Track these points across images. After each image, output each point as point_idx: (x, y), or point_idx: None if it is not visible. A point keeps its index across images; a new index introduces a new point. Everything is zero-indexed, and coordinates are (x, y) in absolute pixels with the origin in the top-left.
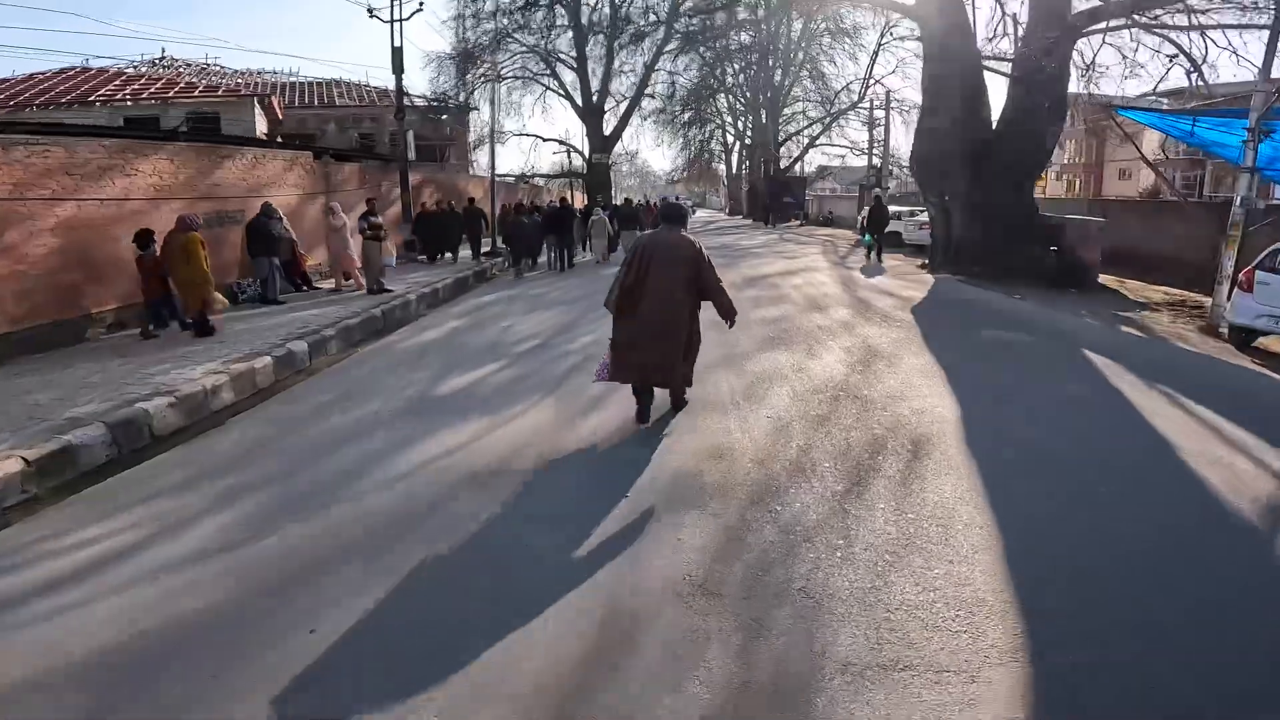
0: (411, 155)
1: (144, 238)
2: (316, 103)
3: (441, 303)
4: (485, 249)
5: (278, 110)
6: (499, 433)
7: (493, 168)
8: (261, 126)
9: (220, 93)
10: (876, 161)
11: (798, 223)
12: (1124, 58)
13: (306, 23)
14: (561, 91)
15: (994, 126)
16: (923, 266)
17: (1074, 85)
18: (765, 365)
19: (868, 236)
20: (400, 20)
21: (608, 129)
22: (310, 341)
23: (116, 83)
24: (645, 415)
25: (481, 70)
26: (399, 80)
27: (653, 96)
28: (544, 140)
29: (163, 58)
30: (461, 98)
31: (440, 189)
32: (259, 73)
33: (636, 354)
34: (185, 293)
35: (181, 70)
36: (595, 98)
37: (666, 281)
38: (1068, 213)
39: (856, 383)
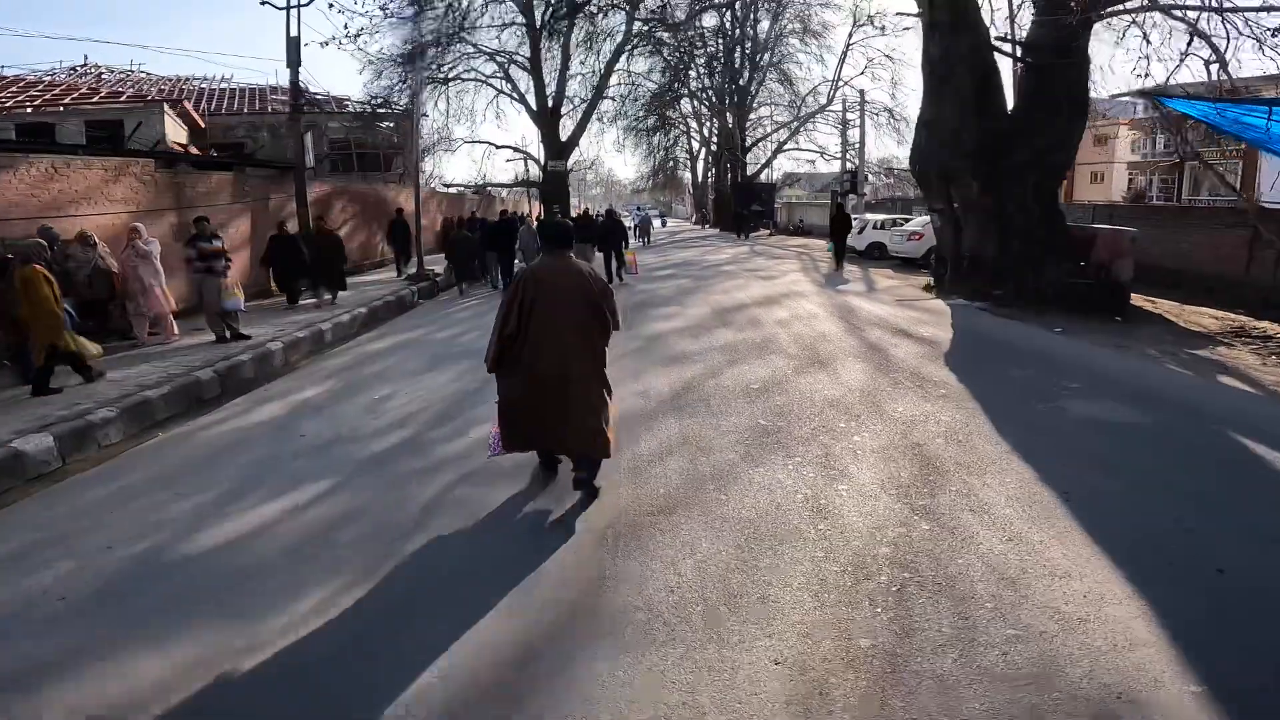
0: (310, 162)
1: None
2: (247, 110)
3: (327, 346)
4: (412, 269)
5: (196, 117)
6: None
7: (416, 175)
8: (177, 134)
9: (124, 99)
10: (851, 165)
11: (768, 232)
12: (1147, 42)
13: (238, 29)
14: (515, 95)
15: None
16: (927, 289)
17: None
18: (756, 503)
19: (830, 245)
20: (298, 6)
21: (565, 134)
22: (66, 431)
23: (12, 89)
24: (552, 465)
25: (426, 72)
26: (295, 74)
27: (613, 99)
28: (498, 147)
29: (85, 65)
30: (404, 100)
31: (358, 201)
32: (187, 79)
33: (531, 416)
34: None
35: (102, 77)
36: (551, 100)
37: (557, 324)
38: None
39: (927, 544)
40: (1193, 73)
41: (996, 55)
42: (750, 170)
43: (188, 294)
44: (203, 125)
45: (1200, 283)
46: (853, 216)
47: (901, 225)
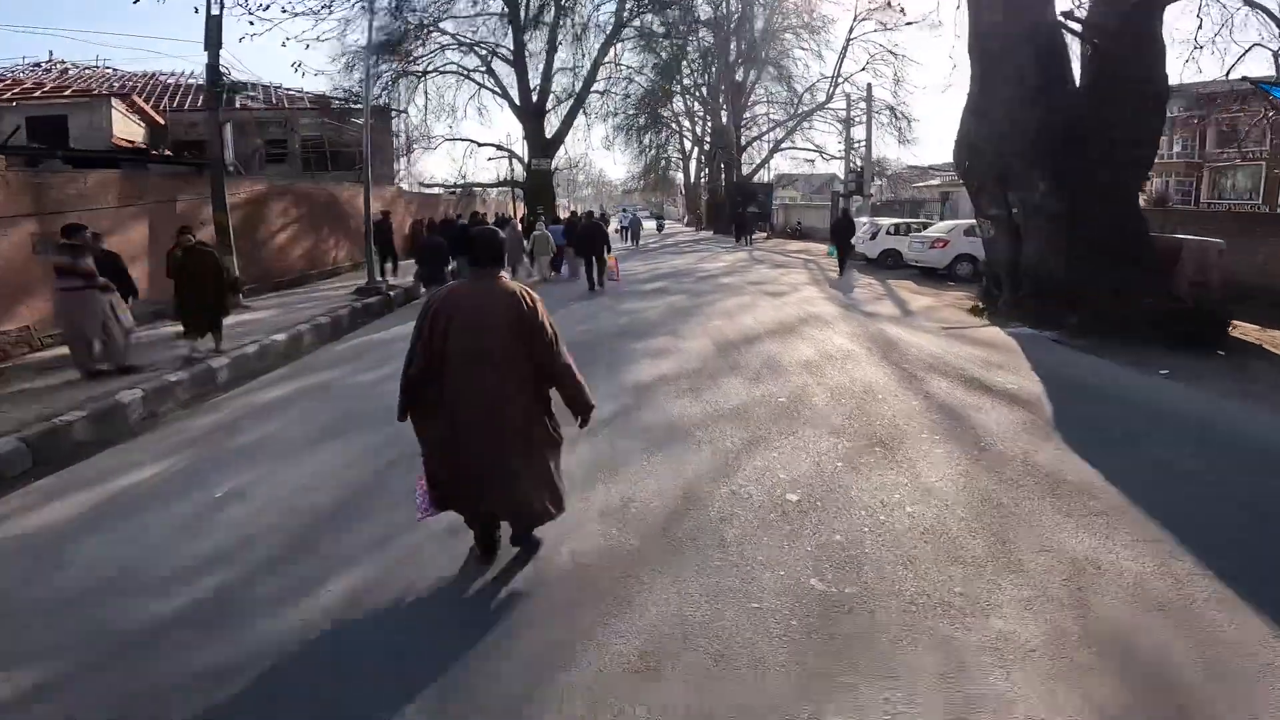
0: (230, 158)
1: None
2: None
3: (212, 392)
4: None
5: (152, 114)
6: None
7: (367, 172)
8: (129, 131)
9: (69, 93)
10: (856, 165)
11: (764, 235)
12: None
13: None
14: (498, 90)
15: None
16: (975, 311)
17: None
18: None
19: (832, 249)
20: None
21: (550, 131)
22: None
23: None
24: (489, 547)
25: (400, 64)
26: (214, 56)
27: (601, 93)
28: (479, 145)
29: (49, 61)
30: (379, 96)
31: (304, 202)
32: (153, 75)
33: (455, 470)
34: None
35: (67, 72)
36: (535, 95)
37: (480, 359)
38: None
39: None
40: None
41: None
42: (745, 170)
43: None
44: (162, 122)
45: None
46: (860, 220)
47: (920, 230)
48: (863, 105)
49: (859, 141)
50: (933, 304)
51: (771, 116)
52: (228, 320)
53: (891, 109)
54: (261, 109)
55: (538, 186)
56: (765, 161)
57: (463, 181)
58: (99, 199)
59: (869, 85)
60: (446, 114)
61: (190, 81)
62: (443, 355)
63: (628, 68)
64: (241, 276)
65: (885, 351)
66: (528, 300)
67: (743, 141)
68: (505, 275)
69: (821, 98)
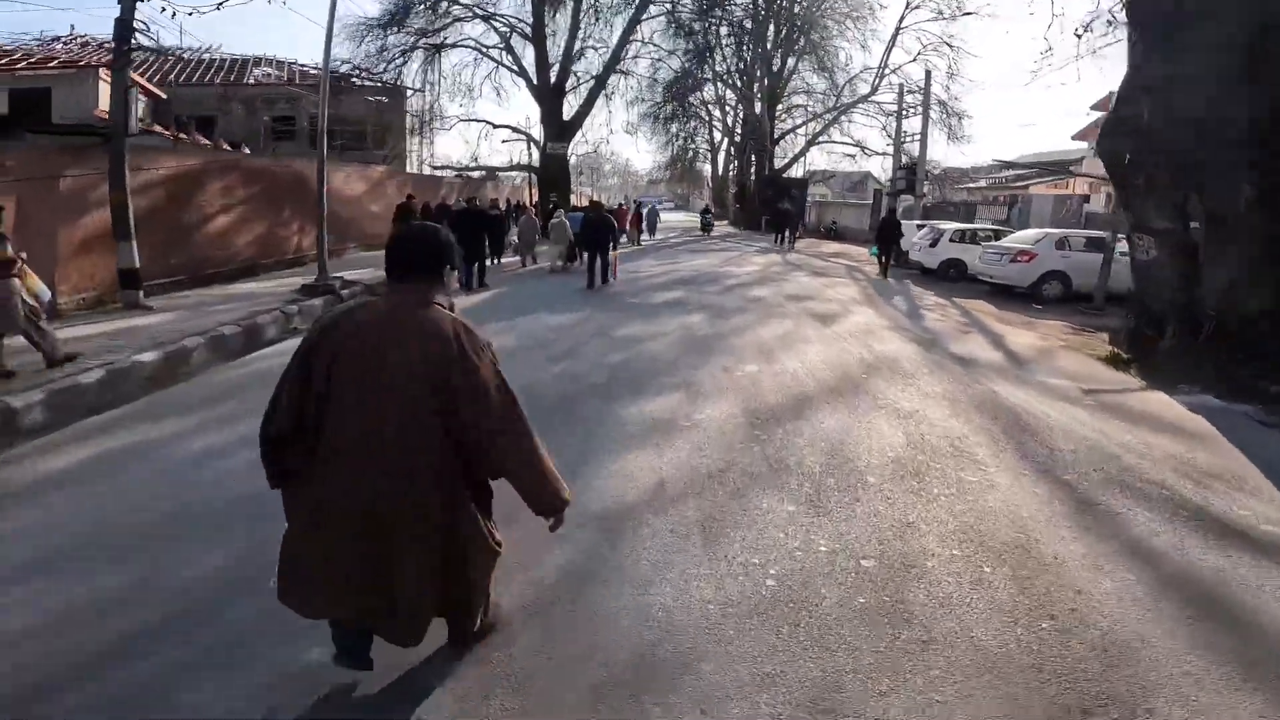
0: (134, 127)
1: None
2: (220, 81)
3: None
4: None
5: (151, 88)
6: None
7: (321, 145)
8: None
9: (54, 65)
10: (907, 160)
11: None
12: None
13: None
14: (516, 68)
15: None
16: (1114, 361)
17: None
18: None
19: (874, 249)
20: None
21: (569, 113)
22: None
23: None
24: (360, 656)
25: (413, 39)
26: (128, 10)
27: (625, 74)
28: (495, 126)
29: (70, 35)
30: (386, 72)
31: (257, 180)
32: (171, 50)
33: (325, 569)
34: None
35: (87, 45)
36: (555, 75)
37: (370, 418)
38: None
39: None
40: None
41: None
42: (777, 164)
43: None
44: (164, 96)
45: None
46: (911, 223)
47: (993, 239)
48: (912, 97)
49: (912, 135)
50: (1038, 342)
51: (810, 108)
52: (98, 328)
53: (943, 104)
54: (266, 85)
55: (553, 172)
56: (800, 155)
57: (475, 164)
58: None
59: (927, 73)
60: (462, 94)
61: (203, 56)
62: (319, 412)
63: (657, 47)
64: (144, 267)
65: (1018, 441)
66: (462, 339)
67: (776, 133)
68: (441, 296)
69: (864, 89)
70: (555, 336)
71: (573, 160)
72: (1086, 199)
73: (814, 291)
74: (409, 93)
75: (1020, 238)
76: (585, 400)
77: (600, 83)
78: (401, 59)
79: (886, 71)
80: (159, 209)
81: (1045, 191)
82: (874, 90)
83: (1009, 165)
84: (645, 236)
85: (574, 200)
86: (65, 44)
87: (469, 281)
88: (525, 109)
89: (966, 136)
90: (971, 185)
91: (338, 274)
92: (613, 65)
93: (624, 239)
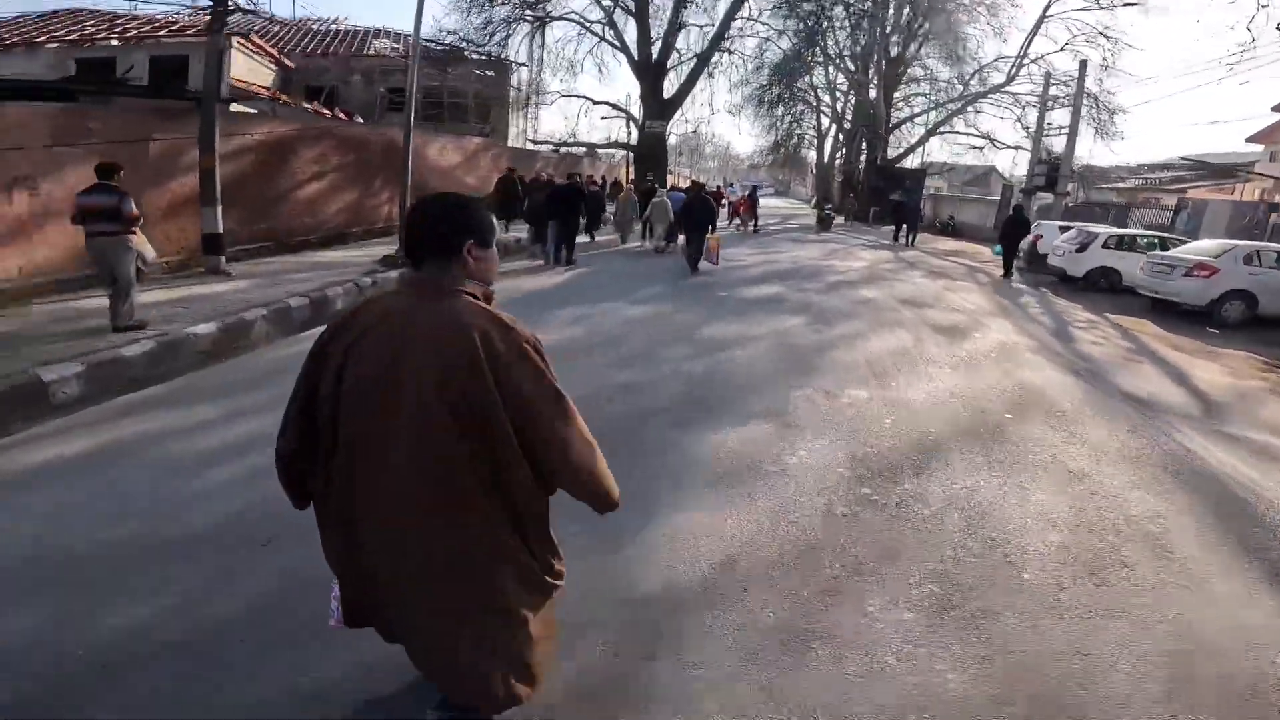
0: (225, 92)
1: None
2: (342, 52)
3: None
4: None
5: (281, 58)
6: None
7: (409, 112)
8: (256, 75)
9: (191, 33)
10: (1048, 155)
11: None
12: None
13: None
14: (618, 44)
15: None
16: None
17: None
18: None
19: (998, 248)
20: None
21: (670, 91)
22: None
23: (76, 22)
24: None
25: (517, 10)
26: None
27: (731, 53)
28: (595, 103)
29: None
30: (489, 44)
31: (347, 149)
32: (304, 20)
33: (370, 594)
34: None
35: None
36: (656, 52)
37: (389, 441)
38: None
39: None
40: None
41: None
42: (891, 154)
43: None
44: (292, 66)
45: None
46: (1062, 225)
47: (1161, 248)
48: (1057, 89)
49: (1058, 128)
50: (1230, 380)
51: (931, 96)
52: (172, 294)
53: (1094, 97)
54: (383, 56)
55: (651, 150)
56: (918, 145)
57: (573, 140)
58: (19, 137)
59: (1082, 64)
60: (564, 69)
61: (329, 28)
62: (332, 426)
63: (766, 26)
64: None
65: (1234, 527)
66: (492, 338)
67: (891, 121)
68: (468, 281)
69: (996, 79)
70: (629, 333)
71: (671, 140)
72: (1276, 207)
73: (934, 295)
74: (514, 67)
75: (1198, 249)
76: (650, 425)
77: (703, 61)
78: (505, 31)
79: (1026, 61)
80: (249, 175)
81: (1219, 197)
82: (1010, 80)
83: (1164, 166)
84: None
85: (670, 180)
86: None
87: (558, 257)
88: (625, 86)
89: (1118, 133)
90: (1118, 185)
91: None
92: (717, 43)
93: (735, 223)
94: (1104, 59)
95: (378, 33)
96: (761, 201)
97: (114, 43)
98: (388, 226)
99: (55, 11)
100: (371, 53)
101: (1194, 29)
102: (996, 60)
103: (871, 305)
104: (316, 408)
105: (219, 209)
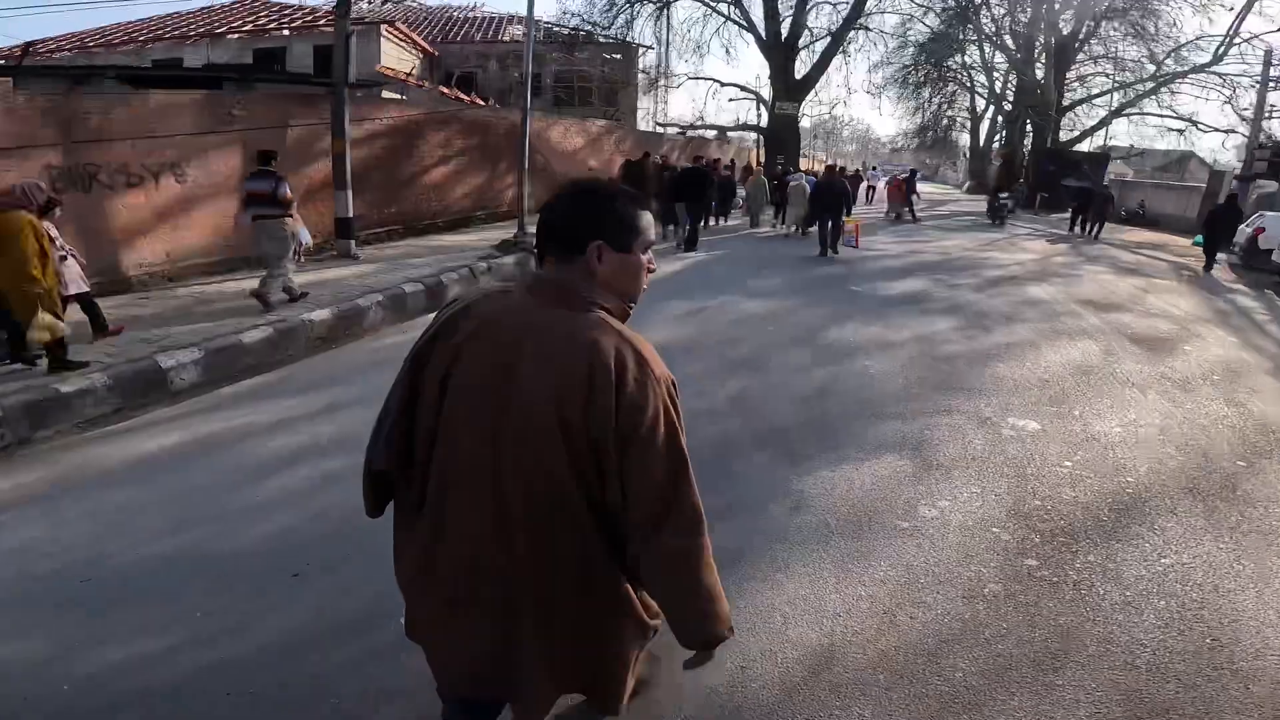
0: (353, 76)
1: None
2: (480, 38)
3: (169, 398)
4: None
5: (424, 45)
6: None
7: (527, 93)
8: (401, 61)
9: (349, 21)
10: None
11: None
12: None
13: None
14: (744, 23)
15: None
16: None
17: None
18: None
19: (1199, 238)
20: None
21: (802, 72)
22: None
23: (247, 13)
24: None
25: None
26: None
27: (868, 30)
28: (722, 85)
29: None
30: (614, 26)
31: (473, 133)
32: (446, 7)
33: (434, 629)
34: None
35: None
36: (786, 30)
37: (496, 465)
38: None
39: None
40: None
41: None
42: (1064, 138)
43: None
44: (435, 53)
45: None
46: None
47: None
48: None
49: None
50: None
51: (1116, 77)
52: (301, 278)
53: None
54: (515, 43)
55: (781, 133)
56: (1099, 127)
57: (700, 123)
58: (165, 124)
59: None
60: (690, 50)
61: (465, 14)
62: (430, 439)
63: (911, 1)
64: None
65: None
66: (625, 366)
67: (1064, 102)
68: (602, 296)
69: (1197, 59)
70: (745, 333)
71: (805, 123)
72: None
73: (1126, 297)
74: (640, 50)
75: None
76: (752, 452)
77: (837, 39)
78: (630, 13)
79: (1237, 40)
80: (379, 159)
81: None
82: (1217, 59)
83: None
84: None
85: (805, 164)
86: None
87: (687, 241)
88: (755, 68)
89: None
90: None
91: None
92: (853, 20)
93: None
94: None
95: (512, 19)
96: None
97: (285, 33)
98: (511, 210)
99: (234, 3)
100: (506, 38)
101: None
102: (1199, 38)
103: (1044, 308)
104: (416, 416)
105: (349, 193)
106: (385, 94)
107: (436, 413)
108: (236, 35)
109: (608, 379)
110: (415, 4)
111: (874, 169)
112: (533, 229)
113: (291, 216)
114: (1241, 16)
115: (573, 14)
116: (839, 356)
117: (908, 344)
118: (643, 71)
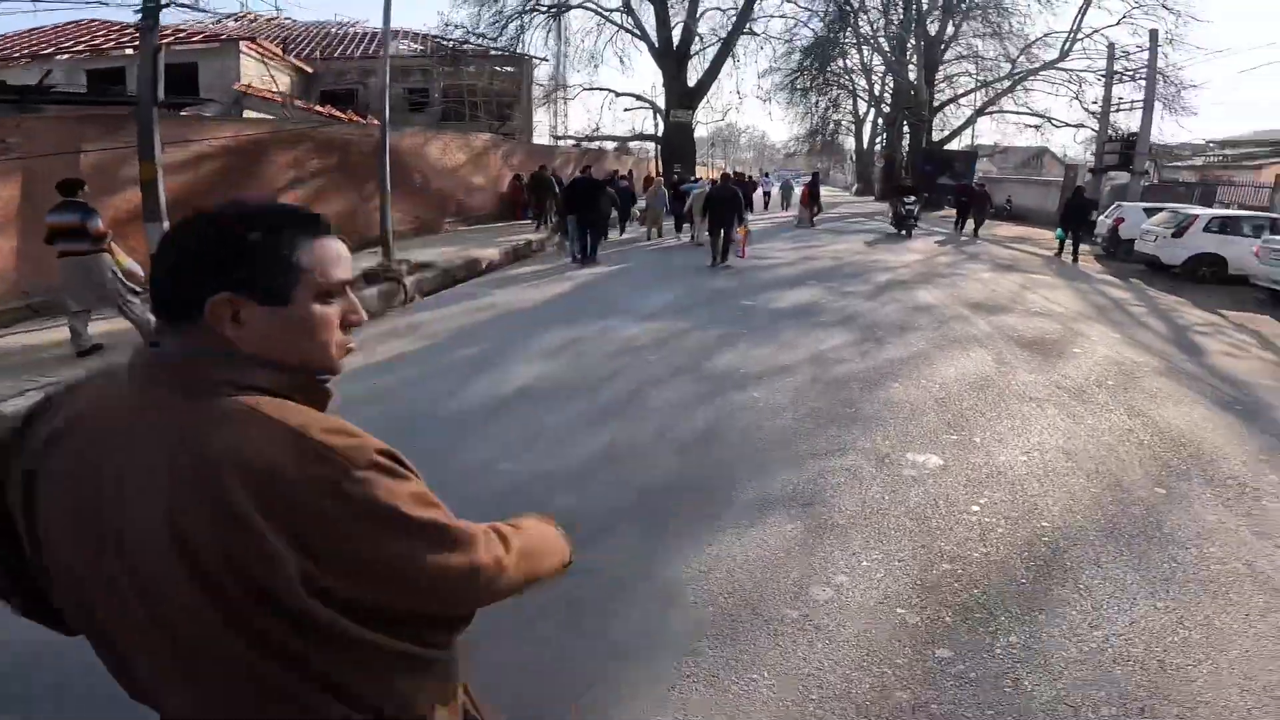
0: (161, 95)
1: None
2: (360, 54)
3: None
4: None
5: (297, 63)
6: None
7: (385, 110)
8: (268, 79)
9: (198, 39)
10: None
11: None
12: None
13: None
14: (636, 31)
15: None
16: None
17: None
18: None
19: (1060, 231)
20: None
21: (694, 79)
22: None
23: (85, 33)
24: None
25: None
26: None
27: (756, 35)
28: (617, 95)
29: (240, 14)
30: (502, 37)
31: (327, 153)
32: (325, 24)
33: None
34: None
35: (254, 22)
36: (678, 38)
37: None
38: None
39: None
40: None
41: None
42: (936, 138)
43: None
44: (311, 70)
45: None
46: (1147, 207)
47: (1275, 231)
48: (1122, 63)
49: (1129, 103)
50: None
51: (976, 76)
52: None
53: (1162, 75)
54: (401, 57)
55: (677, 141)
56: (965, 126)
57: (597, 134)
58: None
59: (1153, 34)
60: (586, 62)
61: (347, 29)
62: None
63: (795, 5)
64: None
65: None
66: (266, 478)
67: (935, 102)
68: (250, 372)
69: (1048, 56)
70: (624, 366)
71: (701, 131)
72: None
73: (1008, 297)
74: (535, 62)
75: None
76: (618, 526)
77: (727, 45)
78: (519, 23)
79: (1080, 36)
80: (207, 185)
81: None
82: (1064, 55)
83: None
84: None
85: (703, 173)
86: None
87: (582, 255)
88: (650, 77)
89: (1187, 109)
90: (1189, 164)
91: (407, 256)
92: (741, 25)
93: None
94: (1167, 32)
95: (396, 33)
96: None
97: (129, 53)
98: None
99: (67, 24)
100: (393, 53)
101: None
102: (1047, 35)
103: (934, 314)
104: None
105: (165, 225)
106: (248, 113)
107: (32, 537)
108: (68, 56)
109: (255, 498)
110: (289, 20)
111: (766, 175)
112: (407, 255)
113: (107, 250)
114: (1082, 11)
115: (456, 25)
116: (726, 387)
117: (800, 366)
118: (538, 84)
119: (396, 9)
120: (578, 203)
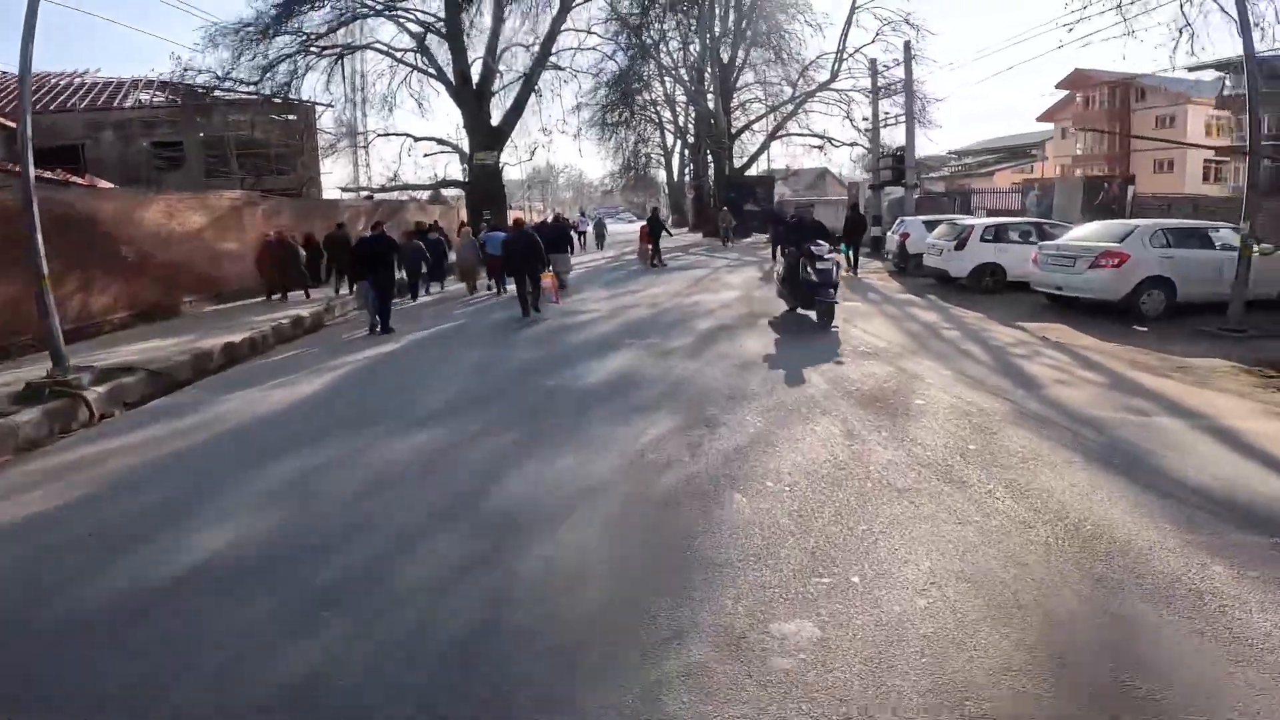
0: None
1: None
2: (86, 106)
3: None
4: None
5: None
6: None
7: (27, 167)
8: None
9: None
10: (886, 148)
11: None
12: None
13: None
14: (432, 70)
15: None
16: None
17: None
18: None
19: (844, 247)
20: None
21: (497, 119)
22: None
23: None
24: None
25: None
26: None
27: (561, 69)
28: (416, 139)
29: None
30: (264, 82)
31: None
32: (44, 75)
33: None
34: None
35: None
36: (478, 76)
37: None
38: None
39: None
40: None
41: None
42: (737, 164)
43: None
44: (13, 125)
45: None
46: (927, 220)
47: (1040, 236)
48: (883, 77)
49: (894, 117)
50: (1257, 413)
51: (766, 101)
52: None
53: (915, 85)
54: (146, 108)
55: (485, 185)
56: (760, 152)
57: (394, 184)
58: None
59: (906, 45)
60: (377, 106)
61: (78, 80)
62: None
63: (600, 37)
64: None
65: None
66: None
67: (733, 129)
68: None
69: (822, 77)
70: (368, 514)
71: (516, 174)
72: (1131, 180)
73: (831, 335)
74: (318, 109)
75: (1093, 233)
76: None
77: (530, 81)
78: (291, 67)
79: (846, 56)
80: None
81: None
82: (834, 76)
83: (968, 153)
84: (597, 252)
85: (515, 216)
86: None
87: (379, 326)
88: (454, 119)
89: (933, 122)
90: (939, 174)
91: (102, 357)
92: (543, 60)
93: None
94: (907, 47)
95: (136, 83)
96: (615, 227)
97: None
98: (80, 326)
99: None
100: (130, 104)
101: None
102: (819, 58)
103: (762, 372)
104: None
105: None
106: None
107: None
108: None
109: None
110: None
111: (583, 214)
112: (106, 354)
113: None
114: (845, 33)
115: (199, 70)
116: (505, 549)
117: (614, 483)
118: (324, 131)
119: (140, 52)
120: (367, 266)
